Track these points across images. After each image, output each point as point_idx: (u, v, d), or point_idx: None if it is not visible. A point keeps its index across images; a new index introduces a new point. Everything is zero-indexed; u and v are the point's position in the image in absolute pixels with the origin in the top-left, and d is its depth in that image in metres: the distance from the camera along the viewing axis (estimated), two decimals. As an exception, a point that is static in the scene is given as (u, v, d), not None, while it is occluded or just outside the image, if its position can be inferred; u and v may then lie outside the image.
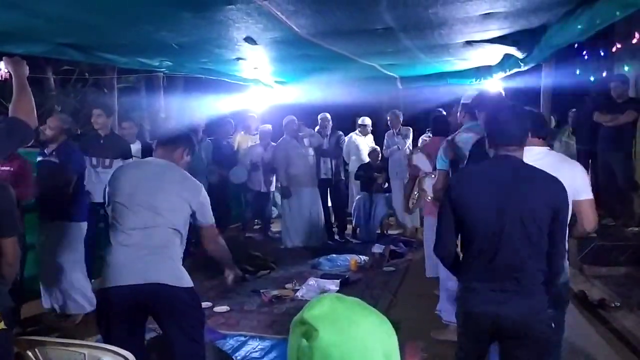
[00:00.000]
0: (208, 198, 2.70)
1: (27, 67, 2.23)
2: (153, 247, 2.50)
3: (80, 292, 4.22)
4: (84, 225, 4.29)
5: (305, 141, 6.83)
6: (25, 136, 2.09)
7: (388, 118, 7.64)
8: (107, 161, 4.75)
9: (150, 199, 2.54)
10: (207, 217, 2.67)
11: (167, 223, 2.54)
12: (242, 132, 7.74)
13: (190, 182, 2.67)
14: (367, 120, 8.15)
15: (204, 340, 2.70)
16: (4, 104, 7.17)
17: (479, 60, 6.06)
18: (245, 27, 3.93)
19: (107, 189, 2.65)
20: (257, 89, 7.78)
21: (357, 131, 8.12)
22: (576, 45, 5.70)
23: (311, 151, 6.89)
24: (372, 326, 1.02)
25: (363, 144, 8.04)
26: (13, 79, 2.17)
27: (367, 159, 7.67)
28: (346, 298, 1.05)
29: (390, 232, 7.64)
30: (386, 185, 7.43)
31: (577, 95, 6.33)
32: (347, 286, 5.14)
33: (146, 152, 5.53)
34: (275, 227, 7.99)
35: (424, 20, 3.88)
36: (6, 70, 2.38)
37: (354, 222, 7.40)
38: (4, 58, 2.33)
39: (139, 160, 2.74)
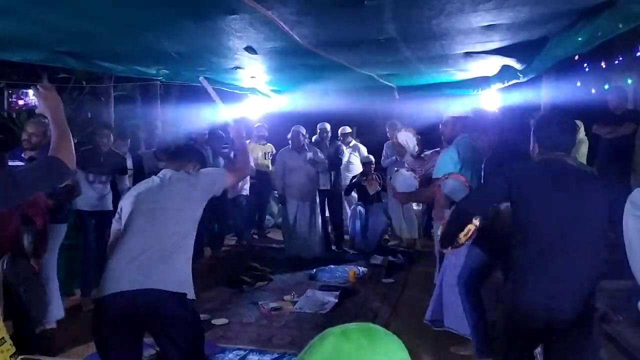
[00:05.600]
0: (219, 171, 2.90)
1: (60, 99, 2.04)
2: (160, 254, 2.46)
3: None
4: (65, 227, 4.32)
5: (308, 155, 6.75)
6: (62, 178, 1.97)
7: (387, 128, 7.61)
8: (104, 177, 4.75)
9: (162, 206, 2.56)
10: (225, 180, 2.81)
11: (175, 231, 2.53)
12: (255, 142, 7.71)
13: (200, 178, 2.72)
14: (347, 129, 8.13)
15: (204, 358, 2.64)
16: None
17: (477, 71, 6.06)
18: (247, 37, 3.89)
19: (120, 204, 2.69)
20: (254, 98, 7.74)
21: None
22: (577, 57, 5.71)
23: (311, 163, 6.78)
24: None
25: (345, 153, 8.05)
26: (47, 114, 2.00)
27: (350, 169, 7.78)
28: (352, 332, 0.91)
29: (388, 243, 7.59)
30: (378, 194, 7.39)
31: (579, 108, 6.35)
32: (346, 298, 5.09)
33: (137, 163, 5.49)
34: (271, 236, 7.95)
35: (426, 31, 3.86)
36: (34, 100, 2.17)
37: (349, 232, 7.35)
38: (32, 87, 2.13)
39: (154, 177, 2.79)
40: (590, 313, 2.22)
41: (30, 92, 2.08)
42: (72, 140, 1.96)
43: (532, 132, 2.57)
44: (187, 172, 2.75)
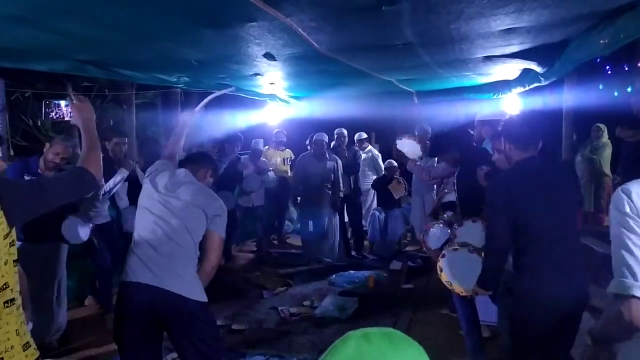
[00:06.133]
0: (225, 212, 2.75)
1: (93, 111, 2.08)
2: (170, 255, 2.55)
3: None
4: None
5: (329, 164, 6.76)
6: (89, 189, 1.96)
7: (416, 133, 7.53)
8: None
9: (173, 206, 2.63)
10: (219, 227, 2.70)
11: (186, 232, 2.61)
12: (274, 148, 7.76)
13: (207, 193, 2.76)
14: (363, 135, 8.12)
15: (219, 357, 2.67)
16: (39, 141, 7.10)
17: (497, 75, 6.01)
18: (266, 44, 3.92)
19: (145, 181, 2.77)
20: (273, 104, 7.78)
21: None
22: (599, 60, 5.63)
23: (330, 172, 6.77)
24: None
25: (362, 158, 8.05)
26: (79, 125, 2.03)
27: (367, 175, 7.81)
28: (374, 335, 0.91)
29: (407, 248, 7.55)
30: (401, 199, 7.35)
31: (602, 111, 6.23)
32: (366, 304, 5.07)
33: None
34: (291, 241, 7.96)
35: (445, 35, 3.85)
36: (69, 111, 2.22)
37: (368, 237, 7.33)
38: (67, 97, 2.18)
39: (169, 170, 2.80)
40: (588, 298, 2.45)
41: (63, 103, 2.11)
42: (100, 153, 1.99)
43: (501, 136, 2.69)
44: (202, 184, 2.80)
